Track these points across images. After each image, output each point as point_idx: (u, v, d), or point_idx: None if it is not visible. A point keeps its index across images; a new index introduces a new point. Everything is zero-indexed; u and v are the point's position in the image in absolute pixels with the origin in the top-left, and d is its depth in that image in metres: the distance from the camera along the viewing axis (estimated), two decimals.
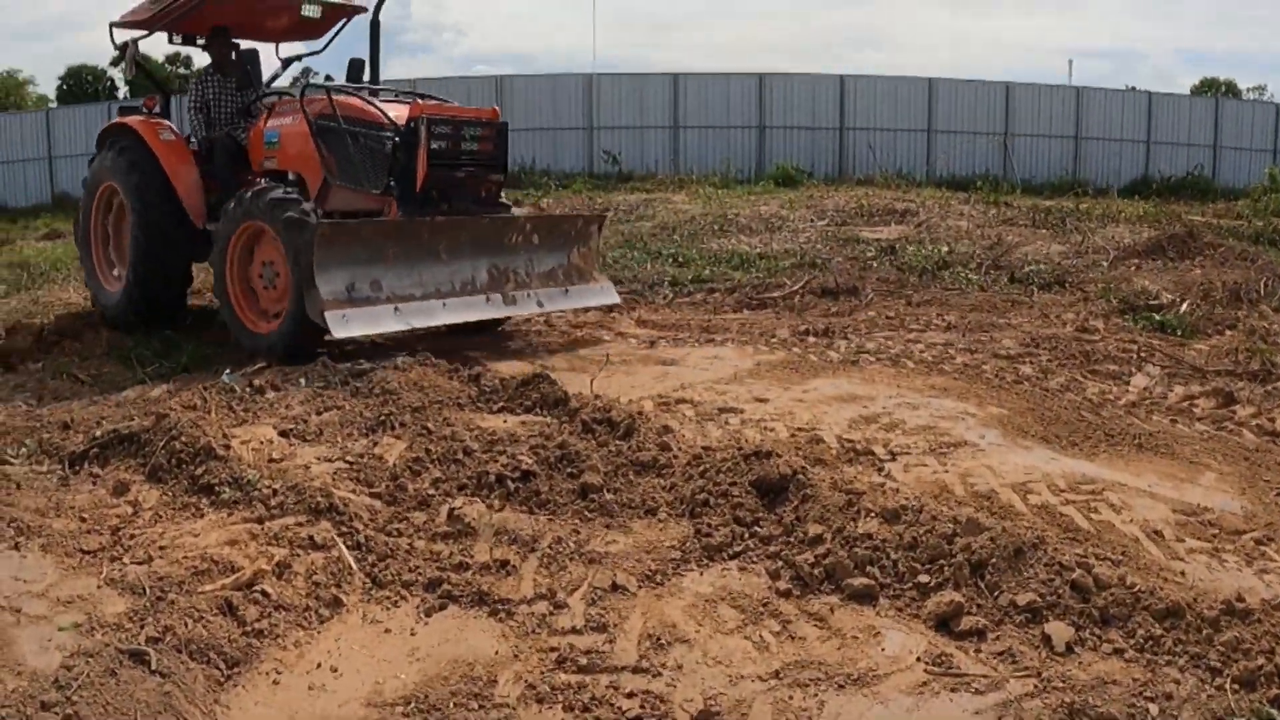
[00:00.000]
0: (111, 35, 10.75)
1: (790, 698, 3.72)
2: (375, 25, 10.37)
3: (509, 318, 10.02)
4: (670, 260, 14.41)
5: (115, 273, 11.01)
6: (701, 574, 4.69)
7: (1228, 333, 9.86)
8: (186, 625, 4.05)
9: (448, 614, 4.40)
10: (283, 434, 6.32)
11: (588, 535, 5.02)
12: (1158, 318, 10.37)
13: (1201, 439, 6.73)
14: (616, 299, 10.17)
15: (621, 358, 8.98)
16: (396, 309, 8.40)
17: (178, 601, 4.25)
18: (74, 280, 13.78)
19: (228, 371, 7.98)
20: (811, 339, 9.77)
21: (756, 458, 5.38)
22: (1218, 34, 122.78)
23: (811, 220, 18.53)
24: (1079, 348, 9.10)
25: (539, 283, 9.56)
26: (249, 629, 4.15)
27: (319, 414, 6.74)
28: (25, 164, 34.22)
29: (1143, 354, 8.95)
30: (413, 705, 3.71)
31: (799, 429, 6.72)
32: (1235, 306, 10.88)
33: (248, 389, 7.34)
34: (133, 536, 5.00)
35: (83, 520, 5.22)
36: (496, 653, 4.07)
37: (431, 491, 5.40)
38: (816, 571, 4.56)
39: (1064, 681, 3.73)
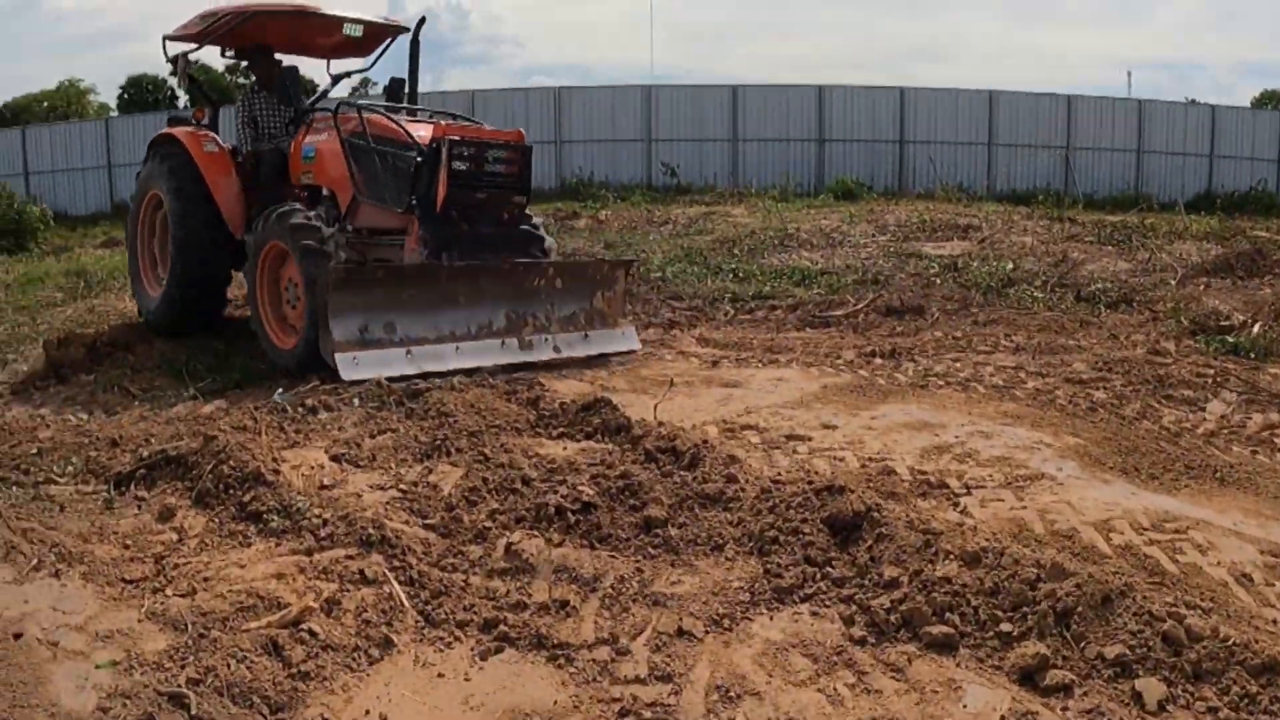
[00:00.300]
0: (164, 48, 11.06)
1: None
2: (415, 45, 10.67)
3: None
4: (730, 275, 14.18)
5: (158, 278, 11.20)
6: (771, 618, 4.44)
7: None
8: (229, 666, 3.87)
9: (504, 657, 4.17)
10: (334, 458, 6.17)
11: (652, 574, 4.77)
12: (1230, 340, 9.99)
13: None
14: (638, 345, 9.94)
15: (683, 379, 8.76)
16: (409, 352, 8.37)
17: (221, 640, 4.07)
18: (129, 289, 13.74)
19: (280, 390, 7.91)
20: (878, 360, 9.52)
21: (828, 493, 5.12)
22: (1278, 45, 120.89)
23: (873, 235, 18.21)
24: (1152, 372, 8.78)
25: (558, 327, 9.43)
26: (295, 671, 3.95)
27: (372, 437, 6.59)
28: (85, 172, 34.52)
29: (1218, 379, 8.61)
30: None
31: (870, 459, 6.46)
32: None
33: (300, 408, 7.22)
34: (177, 566, 4.83)
35: (126, 547, 5.08)
36: (555, 702, 3.85)
37: (488, 524, 5.20)
38: (893, 618, 4.31)
39: None
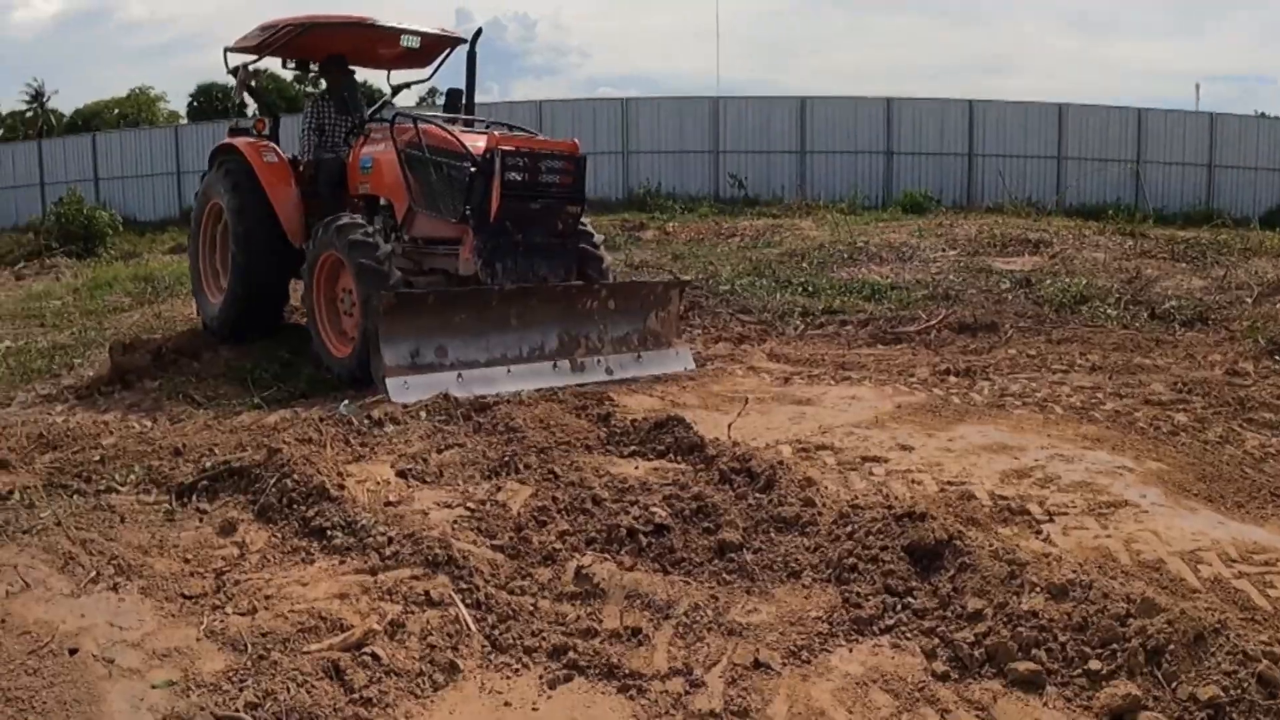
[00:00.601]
0: (225, 59, 11.23)
1: None
2: (472, 57, 10.71)
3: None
4: (800, 289, 13.98)
5: (219, 284, 11.35)
6: (851, 650, 4.24)
7: None
8: (289, 690, 3.75)
9: (573, 686, 4.00)
10: (400, 474, 6.08)
11: (727, 601, 4.59)
12: None
13: None
14: (692, 365, 9.84)
15: (755, 395, 8.61)
16: (460, 376, 8.32)
17: (281, 662, 3.95)
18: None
19: (345, 402, 7.88)
20: (952, 379, 9.32)
21: (909, 519, 4.91)
22: None
23: (942, 249, 17.94)
24: (1232, 394, 8.50)
25: (611, 349, 9.38)
26: (356, 697, 3.80)
27: (439, 452, 6.49)
28: (154, 178, 35.06)
29: None
30: None
31: (948, 483, 6.27)
32: None
33: (365, 420, 7.12)
34: (237, 583, 4.74)
35: (186, 561, 5.00)
36: None
37: (558, 545, 5.04)
38: (977, 653, 4.10)
39: None
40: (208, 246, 11.59)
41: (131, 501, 5.80)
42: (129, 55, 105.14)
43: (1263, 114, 38.28)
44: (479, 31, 10.68)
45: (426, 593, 4.48)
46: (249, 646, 4.07)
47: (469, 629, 4.30)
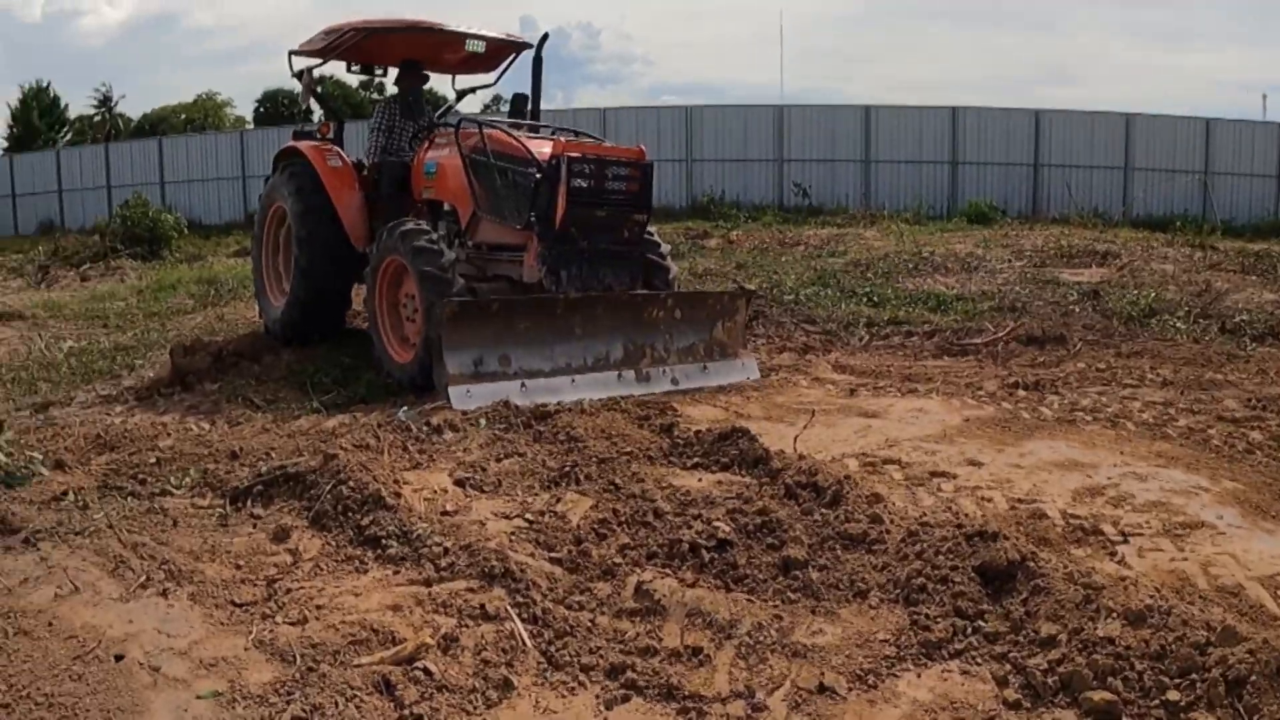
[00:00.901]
0: (290, 63, 11.23)
1: None
2: (537, 62, 10.66)
3: None
4: (865, 300, 13.83)
5: (281, 288, 11.37)
6: (919, 675, 4.07)
7: None
8: (337, 705, 3.65)
9: (631, 707, 3.86)
10: (458, 483, 5.99)
11: (791, 621, 4.42)
12: None
13: None
14: (757, 375, 9.70)
15: (820, 407, 8.44)
16: (523, 385, 8.23)
17: (330, 675, 3.85)
18: None
19: (404, 408, 7.83)
20: (1021, 392, 9.10)
21: (980, 539, 4.72)
22: None
23: (1008, 260, 17.71)
24: None
25: (677, 358, 9.26)
26: (407, 713, 3.69)
27: (498, 460, 6.40)
28: (220, 182, 35.60)
29: None
30: None
31: (1019, 500, 6.08)
32: None
33: (424, 427, 7.05)
34: (289, 591, 4.65)
35: (237, 567, 4.92)
36: None
37: (618, 559, 4.92)
38: (1050, 680, 3.91)
39: None
40: (271, 250, 11.63)
41: (185, 505, 5.74)
42: (196, 61, 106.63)
43: None
44: (545, 36, 10.64)
45: (482, 606, 4.36)
46: (298, 658, 3.97)
47: (524, 645, 4.17)
